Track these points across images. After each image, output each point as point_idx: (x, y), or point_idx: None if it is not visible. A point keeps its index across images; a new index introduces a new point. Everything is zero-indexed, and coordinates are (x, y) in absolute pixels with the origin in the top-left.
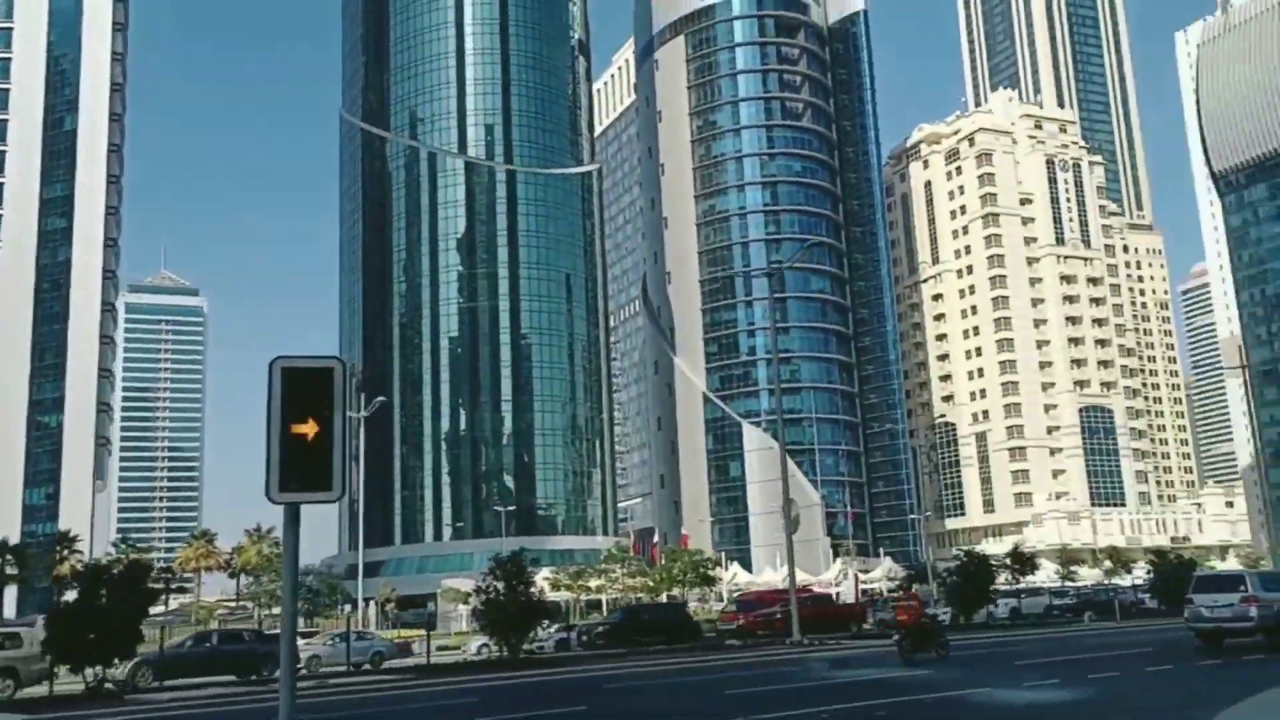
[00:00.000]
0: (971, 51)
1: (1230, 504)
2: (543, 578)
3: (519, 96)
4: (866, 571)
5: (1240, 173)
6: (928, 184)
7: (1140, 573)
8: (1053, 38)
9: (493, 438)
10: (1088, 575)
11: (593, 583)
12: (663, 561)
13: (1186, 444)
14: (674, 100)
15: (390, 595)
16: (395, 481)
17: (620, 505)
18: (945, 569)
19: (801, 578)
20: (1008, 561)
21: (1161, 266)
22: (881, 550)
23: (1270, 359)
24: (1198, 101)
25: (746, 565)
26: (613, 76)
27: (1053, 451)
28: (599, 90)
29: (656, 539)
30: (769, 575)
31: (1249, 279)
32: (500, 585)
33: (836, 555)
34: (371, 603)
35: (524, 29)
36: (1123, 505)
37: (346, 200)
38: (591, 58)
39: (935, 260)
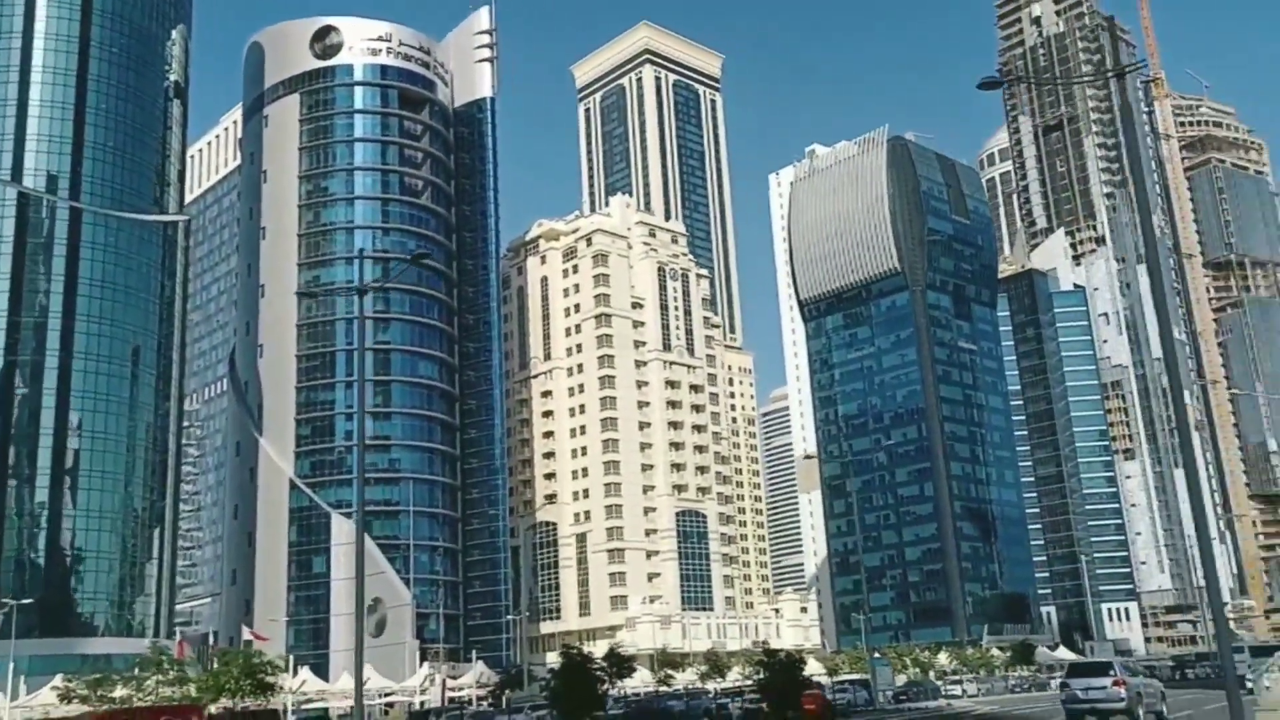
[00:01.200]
0: (590, 161)
1: (804, 609)
2: (51, 688)
3: (95, 127)
4: (456, 676)
5: (821, 302)
6: (544, 279)
7: (735, 675)
8: (664, 166)
9: (20, 518)
10: (682, 679)
11: (118, 692)
12: (214, 666)
13: (765, 553)
14: (282, 160)
15: None
16: None
17: (184, 605)
18: (549, 671)
19: (383, 684)
20: (605, 664)
21: (751, 385)
22: (474, 654)
23: (840, 475)
24: (788, 236)
25: (323, 671)
26: (217, 138)
27: (649, 554)
28: (201, 150)
29: (214, 642)
30: (346, 682)
31: (824, 400)
32: None
33: (424, 659)
34: None
35: (109, 53)
36: (711, 609)
37: None
38: (189, 108)
39: (547, 356)
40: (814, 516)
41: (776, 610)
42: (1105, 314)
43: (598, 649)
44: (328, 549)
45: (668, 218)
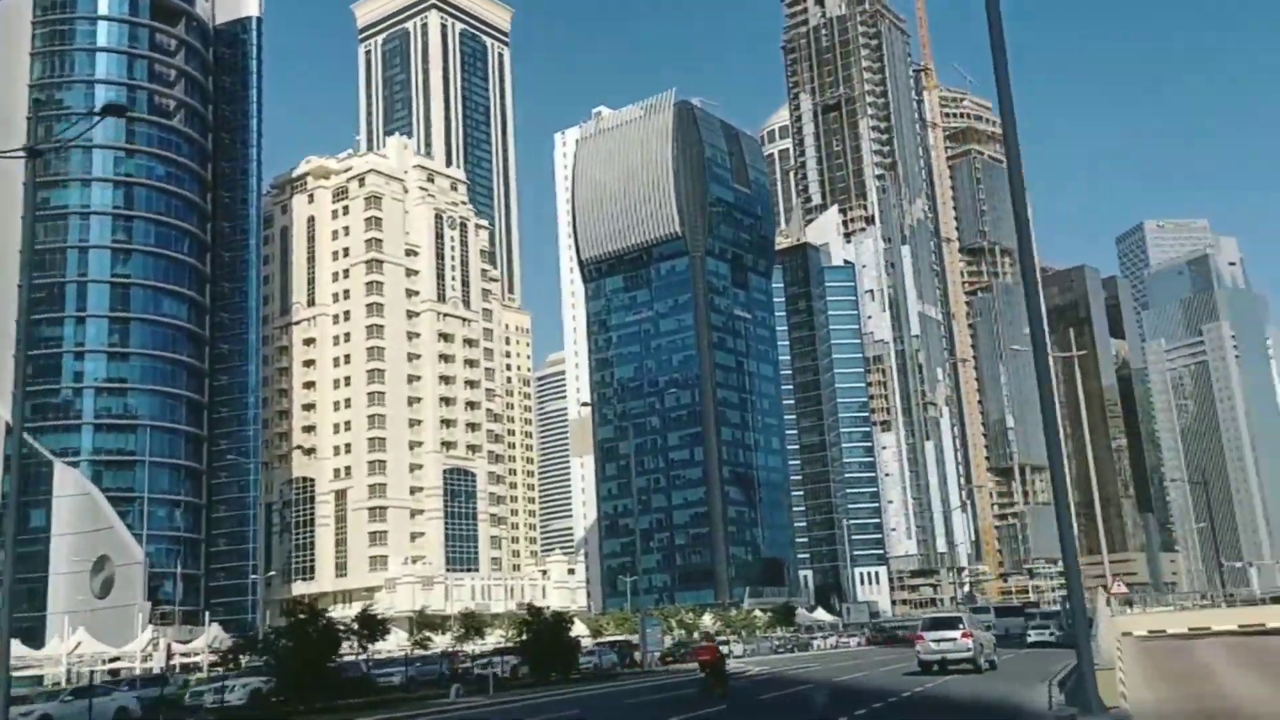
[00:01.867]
0: (369, 106)
1: (572, 571)
2: None
3: None
4: (186, 641)
5: (601, 264)
6: (311, 220)
7: (495, 638)
8: (448, 117)
9: None
10: (441, 642)
11: None
12: None
13: (534, 515)
14: (10, 68)
15: None
16: None
17: None
18: (270, 631)
19: (100, 648)
20: (355, 627)
21: (528, 345)
22: (208, 616)
23: (613, 438)
24: (571, 195)
25: (37, 637)
26: None
27: (414, 513)
28: None
29: None
30: (55, 647)
31: (600, 362)
32: None
33: (156, 622)
34: None
35: None
36: (476, 571)
37: None
38: None
39: (311, 302)
40: (585, 480)
41: (544, 572)
42: (871, 291)
43: (353, 611)
44: (49, 501)
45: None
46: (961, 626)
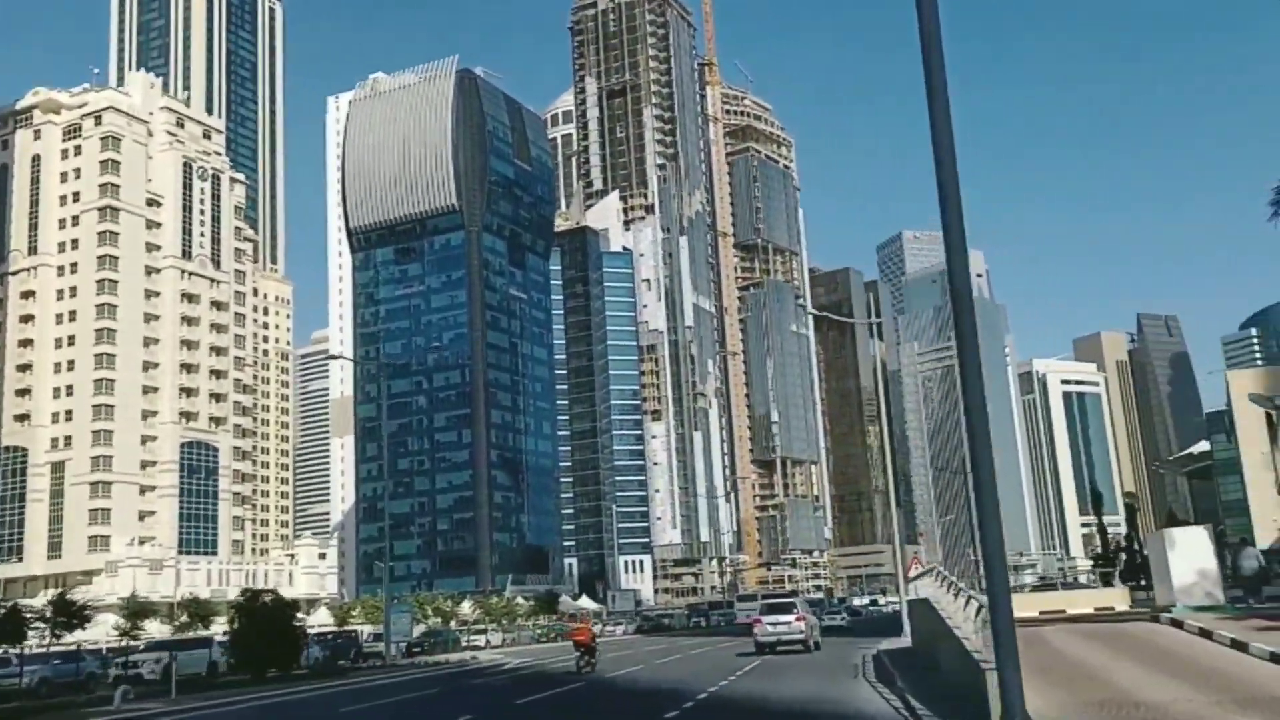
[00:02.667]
0: (121, 54)
1: (323, 555)
2: None
3: None
4: None
5: (372, 233)
6: (36, 159)
7: (222, 628)
8: (210, 72)
9: None
10: (159, 630)
11: None
12: None
13: (287, 497)
14: None
15: None
16: None
17: None
18: None
19: None
20: (48, 614)
21: (288, 318)
22: None
23: (376, 417)
24: (342, 158)
25: None
26: None
27: (144, 490)
28: None
29: None
30: None
31: (366, 337)
32: None
33: None
34: None
35: None
36: (214, 553)
37: None
38: None
39: (33, 251)
40: (345, 462)
41: (291, 556)
42: (648, 280)
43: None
44: None
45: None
46: (795, 611)
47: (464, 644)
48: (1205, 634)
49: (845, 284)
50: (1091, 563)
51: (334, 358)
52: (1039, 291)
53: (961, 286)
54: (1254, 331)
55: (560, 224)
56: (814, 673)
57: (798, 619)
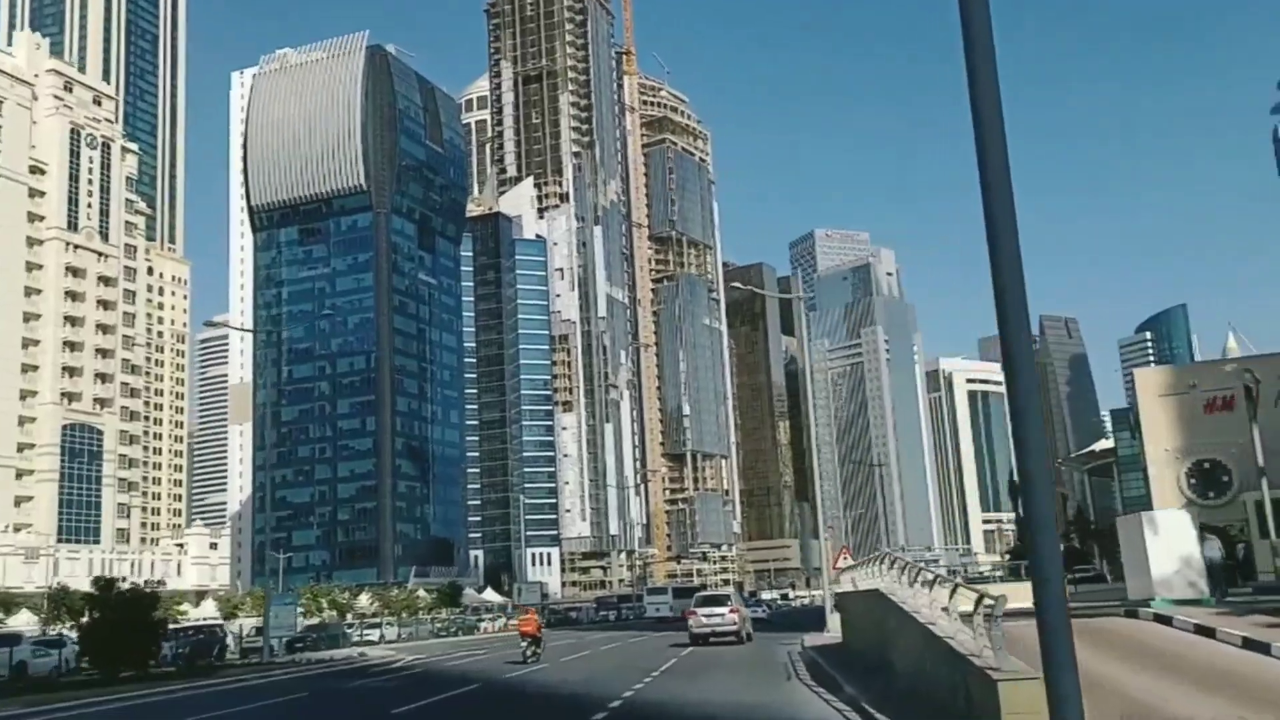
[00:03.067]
0: (11, 18)
1: (214, 545)
2: None
3: None
4: None
5: (275, 212)
6: None
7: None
8: (108, 41)
9: None
10: (27, 623)
11: None
12: None
13: (181, 485)
14: None
15: None
16: None
17: None
18: None
19: None
20: None
21: (185, 299)
22: None
23: (275, 402)
24: (244, 133)
25: None
26: None
27: (21, 473)
28: None
29: None
30: None
31: (268, 319)
32: None
33: None
34: None
35: None
36: (97, 542)
37: None
38: None
39: None
40: (244, 450)
41: (180, 546)
42: (561, 269)
43: None
44: None
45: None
46: (729, 604)
47: (357, 639)
48: (1205, 631)
49: (759, 279)
50: (1008, 555)
51: (232, 329)
52: (948, 291)
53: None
54: (1149, 335)
55: (473, 209)
56: (739, 673)
57: (731, 611)
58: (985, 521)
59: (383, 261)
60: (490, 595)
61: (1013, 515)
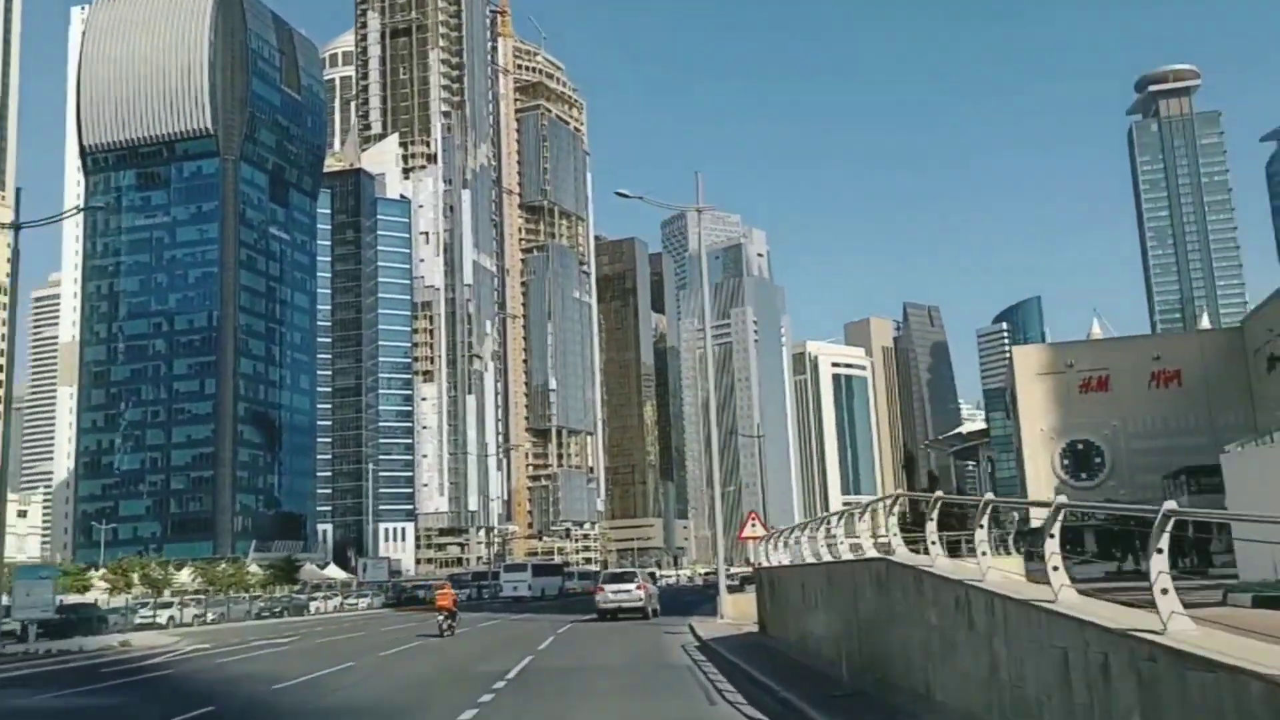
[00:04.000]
0: None
1: (23, 513)
2: None
3: None
4: None
5: (111, 153)
6: None
7: None
8: None
9: None
10: None
11: None
12: None
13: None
14: None
15: None
16: None
17: None
18: None
19: None
20: None
21: (7, 245)
22: None
23: (105, 360)
24: (79, 70)
25: None
26: None
27: None
28: None
29: None
30: None
31: (99, 270)
32: None
33: None
34: None
35: None
36: None
37: None
38: None
39: None
40: (73, 414)
41: None
42: (426, 233)
43: None
44: None
45: None
46: (636, 580)
47: (141, 620)
48: None
49: (631, 254)
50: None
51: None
52: (817, 275)
53: None
54: (1005, 325)
55: (332, 164)
56: (621, 684)
57: (638, 588)
58: (845, 503)
59: (229, 212)
60: (333, 571)
61: (873, 497)
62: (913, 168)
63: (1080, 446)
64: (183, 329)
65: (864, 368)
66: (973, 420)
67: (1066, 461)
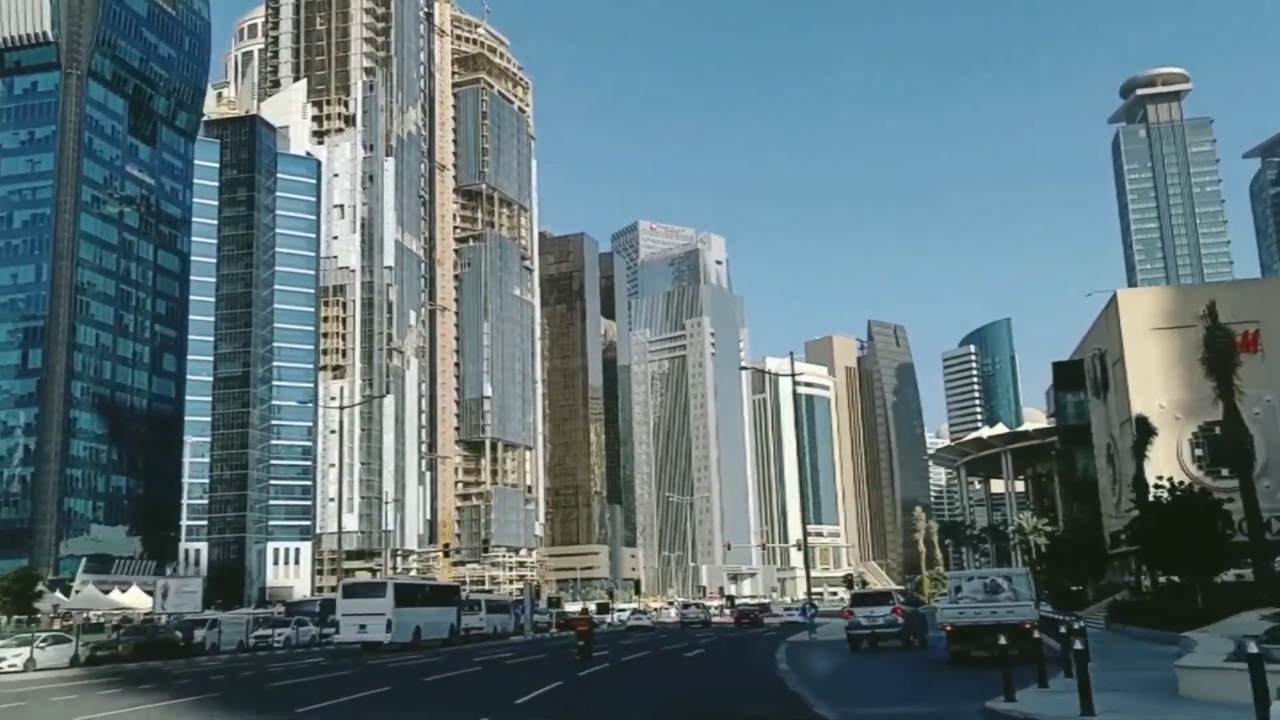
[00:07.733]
0: None
1: None
2: None
3: None
4: None
5: None
6: None
7: None
8: None
9: None
10: None
11: None
12: None
13: None
14: None
15: None
16: None
17: None
18: None
19: None
20: None
21: None
22: None
23: None
24: None
25: None
26: None
27: None
28: None
29: None
30: None
31: None
32: None
33: None
34: None
35: None
36: None
37: None
38: None
39: None
40: None
41: None
42: (341, 205)
43: None
44: None
45: None
46: (893, 602)
47: None
48: None
49: (579, 253)
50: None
51: None
52: (778, 289)
53: None
54: (972, 348)
55: (223, 110)
56: None
57: (894, 611)
58: (814, 533)
59: (70, 139)
60: (133, 597)
61: (835, 528)
62: (881, 182)
63: (1219, 430)
64: (5, 284)
65: (826, 387)
66: (940, 440)
67: (1199, 451)
